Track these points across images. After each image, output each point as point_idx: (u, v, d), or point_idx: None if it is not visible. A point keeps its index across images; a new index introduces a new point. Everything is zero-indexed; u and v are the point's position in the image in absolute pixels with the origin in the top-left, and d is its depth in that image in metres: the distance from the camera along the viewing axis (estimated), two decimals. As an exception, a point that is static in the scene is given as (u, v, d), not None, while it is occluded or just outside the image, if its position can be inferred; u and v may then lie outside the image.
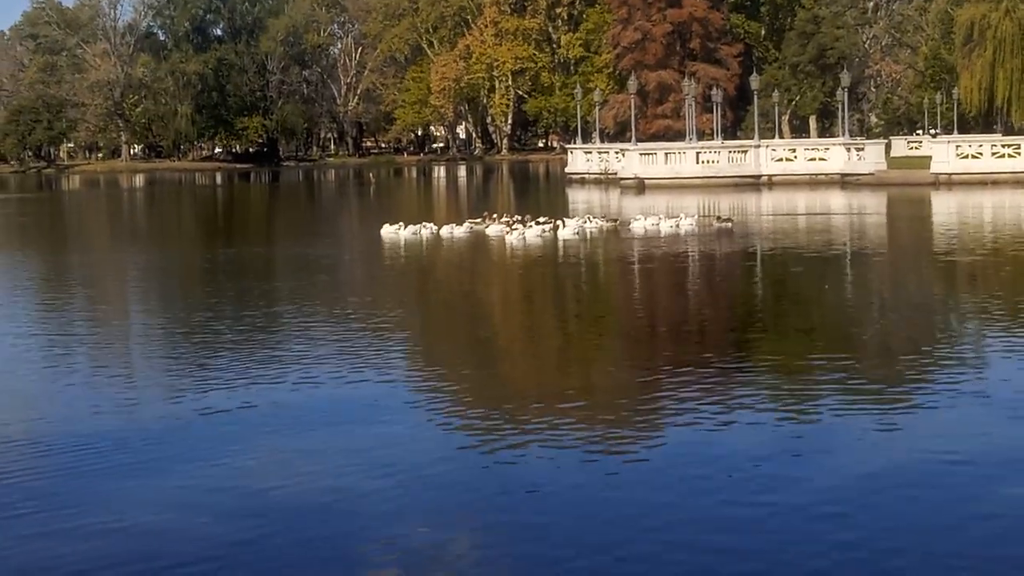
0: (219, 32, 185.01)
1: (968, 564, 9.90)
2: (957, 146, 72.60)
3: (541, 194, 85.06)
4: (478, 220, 42.98)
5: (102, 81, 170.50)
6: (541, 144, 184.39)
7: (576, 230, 40.94)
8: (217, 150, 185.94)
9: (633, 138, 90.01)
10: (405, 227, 41.97)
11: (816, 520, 10.92)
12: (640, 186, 73.79)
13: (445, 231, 41.88)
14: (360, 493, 12.02)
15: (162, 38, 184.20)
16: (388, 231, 42.01)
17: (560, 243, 38.64)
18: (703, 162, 76.63)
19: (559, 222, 41.52)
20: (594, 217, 44.45)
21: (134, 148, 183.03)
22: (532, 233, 40.03)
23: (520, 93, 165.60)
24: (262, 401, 16.05)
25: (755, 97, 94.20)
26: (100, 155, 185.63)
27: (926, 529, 10.69)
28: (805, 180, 74.73)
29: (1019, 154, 69.72)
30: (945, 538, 10.48)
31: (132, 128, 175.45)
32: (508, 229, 40.47)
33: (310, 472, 12.76)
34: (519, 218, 42.33)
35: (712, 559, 10.12)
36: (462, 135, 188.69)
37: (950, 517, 10.97)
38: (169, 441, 14.11)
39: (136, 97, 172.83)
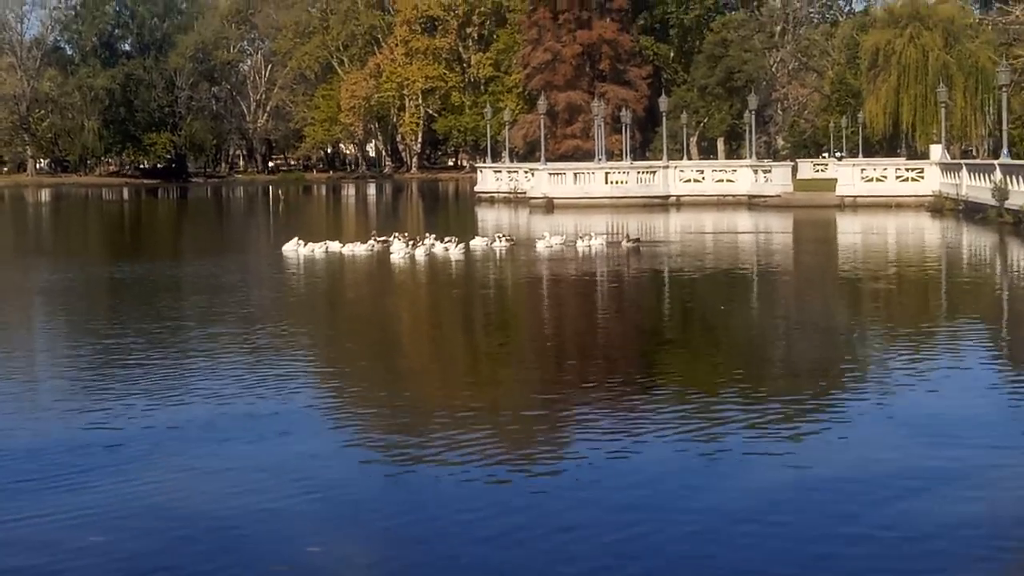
0: (127, 47, 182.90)
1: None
2: (862, 169, 73.46)
3: (450, 213, 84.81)
4: (380, 239, 42.54)
5: (8, 95, 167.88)
6: (451, 163, 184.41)
7: (464, 251, 40.64)
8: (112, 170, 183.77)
9: (543, 158, 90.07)
10: (306, 245, 41.70)
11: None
12: (549, 205, 73.83)
13: (347, 249, 41.53)
14: (264, 511, 11.80)
15: (69, 52, 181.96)
16: (289, 248, 41.72)
17: (453, 263, 38.38)
18: (612, 182, 77.01)
19: (450, 241, 41.11)
20: (500, 236, 44.19)
21: (40, 162, 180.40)
22: (420, 252, 39.73)
23: (430, 112, 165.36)
24: (161, 422, 15.65)
25: (664, 118, 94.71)
26: (5, 169, 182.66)
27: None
28: (713, 201, 75.32)
29: (922, 178, 70.65)
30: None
31: (38, 142, 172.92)
32: (408, 248, 40.11)
33: (212, 490, 12.54)
34: (416, 238, 41.86)
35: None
36: (372, 153, 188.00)
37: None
38: (73, 461, 13.69)
39: (42, 111, 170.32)
